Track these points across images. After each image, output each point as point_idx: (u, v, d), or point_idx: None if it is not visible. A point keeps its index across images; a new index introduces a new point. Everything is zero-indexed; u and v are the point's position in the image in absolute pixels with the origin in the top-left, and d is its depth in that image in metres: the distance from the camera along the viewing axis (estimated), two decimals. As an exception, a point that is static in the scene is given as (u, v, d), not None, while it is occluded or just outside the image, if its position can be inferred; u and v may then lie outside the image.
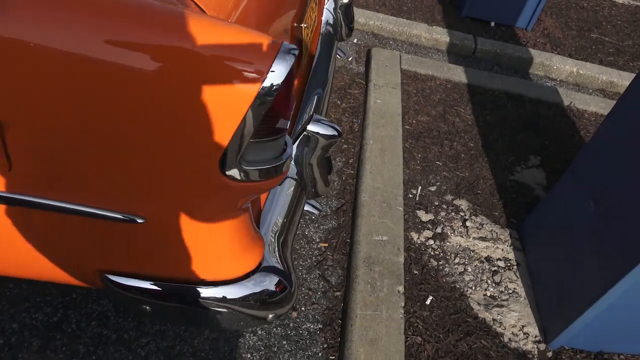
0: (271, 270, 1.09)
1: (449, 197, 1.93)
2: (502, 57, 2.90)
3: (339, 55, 2.13)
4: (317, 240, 1.72)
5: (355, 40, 2.82)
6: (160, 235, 0.89)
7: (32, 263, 0.98)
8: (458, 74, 2.61)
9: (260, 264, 1.05)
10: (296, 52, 0.73)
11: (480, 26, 3.12)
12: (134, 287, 0.97)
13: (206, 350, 1.39)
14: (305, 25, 1.46)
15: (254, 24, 1.10)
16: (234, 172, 0.78)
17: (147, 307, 1.01)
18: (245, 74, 0.68)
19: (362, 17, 2.91)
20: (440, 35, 2.89)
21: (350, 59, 2.66)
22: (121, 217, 0.83)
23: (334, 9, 2.01)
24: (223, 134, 0.73)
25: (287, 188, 1.28)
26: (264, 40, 0.70)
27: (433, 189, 1.96)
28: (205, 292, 0.98)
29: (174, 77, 0.69)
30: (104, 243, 0.91)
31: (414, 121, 2.26)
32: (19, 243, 0.93)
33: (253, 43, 0.70)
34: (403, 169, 1.99)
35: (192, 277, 0.97)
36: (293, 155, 1.31)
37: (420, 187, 1.95)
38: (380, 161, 1.97)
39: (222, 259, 0.95)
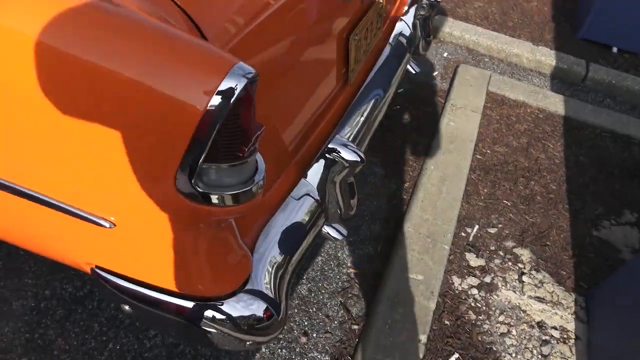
0: (256, 294, 1.03)
1: (509, 244, 1.71)
2: (618, 89, 2.51)
3: (412, 69, 1.99)
4: (348, 264, 1.62)
5: (445, 54, 2.63)
6: (129, 241, 0.87)
7: (34, 241, 1.04)
8: (555, 103, 2.30)
9: (243, 285, 0.99)
10: (251, 74, 0.65)
11: (597, 50, 2.74)
12: (115, 283, 0.97)
13: (207, 355, 1.37)
14: (356, 37, 1.36)
15: (283, 33, 1.04)
16: (191, 194, 0.73)
17: (127, 307, 1.00)
18: (192, 93, 0.63)
19: (458, 30, 2.71)
20: (545, 57, 2.58)
21: (435, 74, 2.48)
22: (89, 217, 0.82)
23: (412, 22, 1.88)
24: (174, 153, 0.68)
25: (303, 207, 1.20)
26: (216, 59, 0.64)
27: (492, 231, 1.75)
28: (176, 303, 0.95)
29: (130, 86, 0.65)
30: (88, 239, 0.92)
31: (488, 151, 2.04)
32: (19, 223, 0.98)
33: (205, 61, 0.63)
34: (461, 203, 1.80)
35: (166, 287, 0.94)
36: (318, 180, 1.23)
37: (477, 227, 1.74)
38: (436, 190, 1.80)
39: (192, 273, 0.91)
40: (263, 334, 1.04)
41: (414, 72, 1.99)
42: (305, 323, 1.45)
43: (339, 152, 1.17)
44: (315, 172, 1.22)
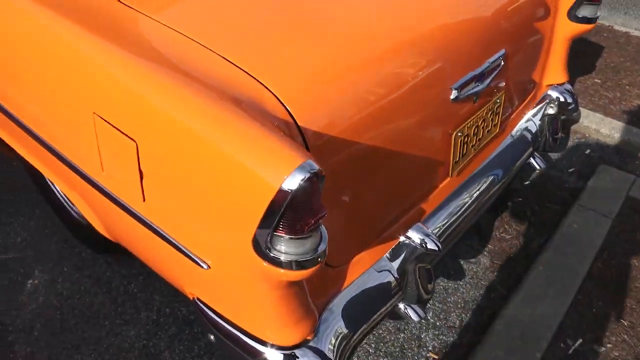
0: (319, 353, 1.14)
1: (617, 368, 1.53)
2: None
3: (537, 165, 1.96)
4: (429, 348, 1.62)
5: (587, 152, 2.49)
6: (220, 283, 1.07)
7: (152, 261, 1.33)
8: None
9: (303, 342, 1.12)
10: (315, 171, 0.81)
11: None
12: (207, 314, 1.18)
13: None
14: (461, 134, 1.45)
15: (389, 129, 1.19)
16: (265, 256, 0.90)
17: (212, 337, 1.20)
18: (271, 176, 0.81)
19: (606, 128, 2.55)
20: None
21: (571, 170, 2.37)
22: (192, 257, 1.05)
23: (539, 119, 1.89)
24: (252, 219, 0.86)
25: (381, 281, 1.30)
26: (293, 154, 0.82)
27: (600, 349, 1.58)
28: (249, 343, 1.11)
29: (224, 163, 0.88)
30: (192, 273, 1.15)
31: (613, 261, 1.86)
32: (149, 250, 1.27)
33: (285, 153, 0.82)
34: (568, 312, 1.68)
35: (242, 328, 1.12)
36: (399, 259, 1.32)
37: (580, 341, 1.60)
38: (541, 292, 1.71)
39: (263, 320, 1.07)
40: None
41: (538, 167, 1.97)
42: (374, 395, 1.50)
43: (417, 238, 1.25)
44: (397, 252, 1.31)
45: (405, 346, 1.63)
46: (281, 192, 0.82)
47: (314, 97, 1.06)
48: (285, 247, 0.90)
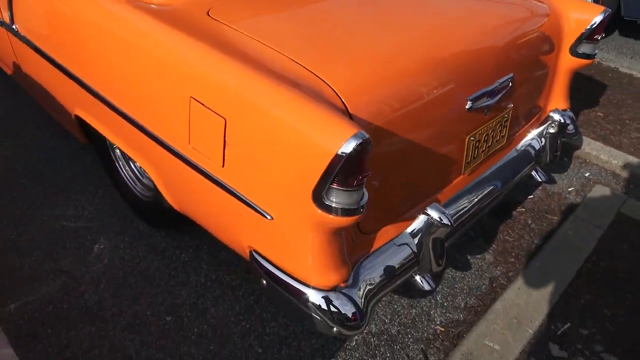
0: (350, 299, 1.42)
1: (598, 347, 1.78)
2: None
3: (538, 177, 2.24)
4: (437, 322, 1.89)
5: (587, 174, 2.78)
6: (278, 232, 1.37)
7: (216, 223, 1.63)
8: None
9: (337, 287, 1.40)
10: (364, 138, 1.11)
11: None
12: (261, 263, 1.47)
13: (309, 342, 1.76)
14: (473, 138, 1.76)
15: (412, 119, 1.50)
16: (320, 205, 1.21)
17: (264, 281, 1.49)
18: (330, 143, 1.12)
19: (605, 154, 2.84)
20: (698, 194, 2.54)
21: (570, 189, 2.65)
22: (260, 210, 1.35)
23: (542, 136, 2.18)
24: (314, 176, 1.17)
25: (401, 252, 1.58)
26: (350, 125, 1.13)
27: (584, 332, 1.83)
28: (294, 285, 1.40)
29: (295, 134, 1.19)
30: (254, 225, 1.45)
31: (601, 263, 2.12)
32: (208, 208, 1.58)
33: (343, 125, 1.13)
34: (559, 302, 1.93)
35: (290, 272, 1.41)
36: (417, 234, 1.61)
37: (569, 324, 1.86)
38: (535, 283, 1.97)
39: (307, 265, 1.36)
40: (347, 329, 1.42)
41: (539, 179, 2.26)
42: (388, 355, 1.76)
43: (434, 214, 1.54)
44: (416, 227, 1.60)
45: (416, 319, 1.89)
46: (339, 155, 1.13)
47: (362, 92, 1.37)
48: (336, 198, 1.20)
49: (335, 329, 1.41)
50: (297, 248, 1.37)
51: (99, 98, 1.81)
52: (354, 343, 1.80)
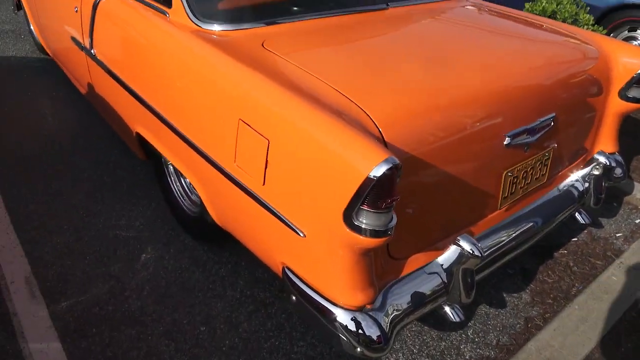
0: (375, 322, 1.45)
1: (638, 401, 1.69)
2: None
3: (581, 219, 2.20)
4: (467, 357, 1.86)
5: (637, 221, 2.67)
6: (309, 249, 1.44)
7: (253, 238, 1.72)
8: None
9: (363, 308, 1.44)
10: (394, 163, 1.17)
11: None
12: (292, 279, 1.54)
13: (332, 377, 1.79)
14: (511, 174, 1.77)
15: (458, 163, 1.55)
16: (350, 225, 1.27)
17: (294, 297, 1.55)
18: (363, 165, 1.19)
19: (658, 202, 2.73)
20: None
21: (618, 235, 2.56)
22: (294, 227, 1.43)
23: (584, 176, 2.15)
24: (346, 196, 1.24)
25: (431, 281, 1.60)
26: (381, 151, 1.19)
27: (624, 383, 1.75)
28: (322, 303, 1.45)
29: (332, 157, 1.27)
30: (287, 240, 1.52)
31: (634, 315, 2.03)
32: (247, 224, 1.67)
33: (376, 150, 1.20)
34: (596, 348, 1.86)
35: (319, 289, 1.47)
36: (448, 264, 1.62)
37: (607, 373, 1.78)
38: (572, 327, 1.91)
39: (335, 283, 1.41)
40: (371, 351, 1.45)
41: (583, 222, 2.21)
42: (413, 385, 1.75)
43: (465, 245, 1.56)
44: (447, 257, 1.62)
45: (445, 352, 1.88)
46: (369, 177, 1.20)
47: (399, 123, 1.44)
48: (365, 219, 1.26)
49: (359, 349, 1.44)
50: (327, 266, 1.43)
51: (158, 116, 1.98)
52: (380, 370, 1.80)
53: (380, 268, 1.51)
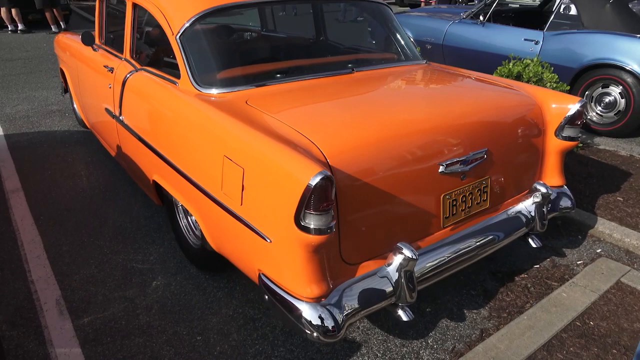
0: (331, 313, 1.79)
1: (572, 392, 1.91)
2: None
3: (533, 243, 2.50)
4: (425, 359, 2.12)
5: (599, 250, 2.92)
6: (275, 252, 1.82)
7: (238, 254, 2.10)
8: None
9: (317, 300, 1.78)
10: (326, 175, 1.58)
11: None
12: (264, 281, 1.91)
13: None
14: (449, 197, 2.14)
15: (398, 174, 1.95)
16: (300, 226, 1.66)
17: (266, 296, 1.90)
18: (304, 176, 1.61)
19: (618, 233, 2.98)
20: None
21: (579, 262, 2.81)
22: (263, 235, 1.82)
23: (528, 204, 2.48)
24: (294, 202, 1.64)
25: (380, 283, 1.93)
26: (316, 165, 1.61)
27: (561, 378, 1.97)
28: (284, 297, 1.80)
29: (286, 176, 1.69)
30: (259, 248, 1.91)
31: (591, 323, 2.25)
32: (228, 238, 2.07)
33: (311, 166, 1.62)
34: (540, 351, 2.10)
35: (283, 285, 1.82)
36: (395, 269, 1.96)
37: (546, 370, 2.01)
38: (519, 332, 2.16)
39: (294, 278, 1.78)
40: (325, 337, 1.77)
41: (534, 245, 2.51)
42: (374, 380, 2.02)
43: (405, 250, 1.90)
44: (392, 262, 1.96)
45: (406, 356, 2.15)
46: (309, 185, 1.60)
47: (342, 151, 1.87)
48: (311, 221, 1.66)
49: (315, 334, 1.76)
50: (287, 265, 1.80)
51: (168, 163, 2.47)
52: (346, 369, 2.09)
53: (334, 270, 1.87)
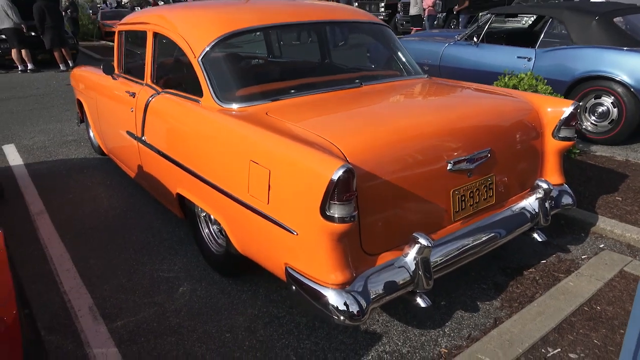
0: (356, 298, 1.93)
1: (584, 368, 2.03)
2: None
3: (537, 237, 2.66)
4: (443, 346, 2.25)
5: (601, 245, 3.07)
6: (301, 243, 1.98)
7: (264, 252, 2.25)
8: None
9: (342, 287, 1.93)
10: (348, 168, 1.76)
11: None
12: (290, 273, 2.06)
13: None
14: (457, 193, 2.31)
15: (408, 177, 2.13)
16: (325, 216, 1.83)
17: (293, 287, 2.05)
18: (328, 171, 1.78)
19: (620, 230, 3.13)
20: None
21: (584, 257, 2.96)
22: (290, 229, 1.99)
23: (533, 200, 2.65)
24: (320, 194, 1.81)
25: (398, 273, 2.08)
26: (336, 161, 1.79)
27: (573, 356, 2.09)
28: (310, 285, 1.95)
29: (311, 173, 1.87)
30: (285, 241, 2.06)
31: (598, 308, 2.38)
32: (252, 237, 2.23)
33: (334, 161, 1.80)
34: (552, 333, 2.22)
35: (309, 275, 1.97)
36: (412, 258, 2.11)
37: (559, 350, 2.13)
38: (530, 318, 2.30)
39: (319, 266, 1.93)
40: (351, 321, 1.91)
41: (538, 239, 2.67)
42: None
43: (421, 239, 2.05)
44: (409, 252, 2.11)
45: (425, 344, 2.27)
46: (332, 179, 1.78)
47: (361, 151, 2.05)
48: (335, 211, 1.82)
49: (342, 318, 1.90)
50: (313, 254, 1.96)
51: (194, 175, 2.65)
52: (369, 357, 2.21)
53: (356, 259, 2.02)
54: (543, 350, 2.14)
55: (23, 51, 10.85)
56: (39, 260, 3.17)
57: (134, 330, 2.47)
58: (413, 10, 13.31)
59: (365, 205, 2.01)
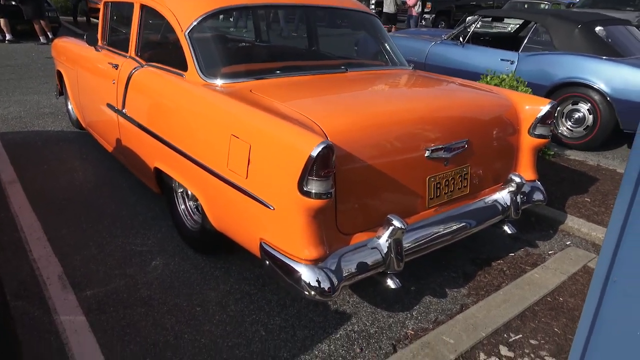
0: (328, 274, 1.96)
1: (543, 353, 2.10)
2: None
3: (508, 229, 2.73)
4: (409, 328, 2.30)
5: (568, 243, 3.17)
6: (277, 218, 2.00)
7: (239, 227, 2.26)
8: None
9: (315, 262, 1.96)
10: (328, 144, 1.78)
11: None
12: (264, 248, 2.07)
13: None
14: (433, 180, 2.36)
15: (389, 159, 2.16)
16: (303, 192, 1.85)
17: (267, 262, 2.07)
18: (308, 147, 1.80)
19: (585, 228, 3.24)
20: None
21: (551, 252, 3.05)
22: (267, 204, 2.00)
23: (505, 193, 2.72)
24: (298, 170, 1.83)
25: (370, 254, 2.12)
26: (316, 137, 1.81)
27: (534, 342, 2.17)
28: (284, 261, 1.97)
29: (291, 148, 1.89)
30: (261, 216, 2.08)
31: (560, 299, 2.47)
32: (228, 211, 2.24)
33: (314, 136, 1.82)
34: (514, 320, 2.30)
35: (283, 250, 2.00)
36: (385, 240, 2.15)
37: (520, 335, 2.20)
38: (495, 305, 2.36)
39: (294, 242, 1.95)
40: (321, 296, 1.94)
41: (508, 232, 2.74)
42: (364, 345, 2.18)
43: (394, 221, 2.10)
44: (383, 234, 2.15)
45: (392, 325, 2.32)
46: (311, 155, 1.80)
47: (341, 131, 2.07)
48: (312, 186, 1.85)
49: (312, 293, 1.93)
50: (288, 229, 1.98)
51: (174, 149, 2.63)
52: (338, 335, 2.25)
53: (330, 237, 2.05)
54: (505, 335, 2.21)
55: (2, 20, 10.54)
56: (9, 228, 3.11)
57: (104, 300, 2.45)
58: (387, 8, 12.55)
59: (343, 185, 2.04)
